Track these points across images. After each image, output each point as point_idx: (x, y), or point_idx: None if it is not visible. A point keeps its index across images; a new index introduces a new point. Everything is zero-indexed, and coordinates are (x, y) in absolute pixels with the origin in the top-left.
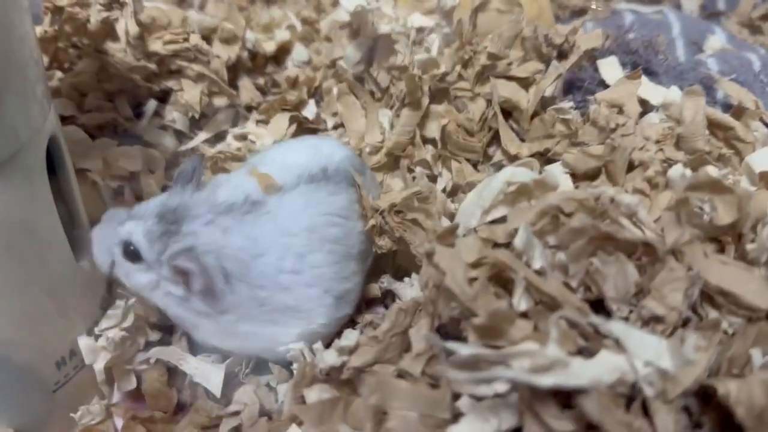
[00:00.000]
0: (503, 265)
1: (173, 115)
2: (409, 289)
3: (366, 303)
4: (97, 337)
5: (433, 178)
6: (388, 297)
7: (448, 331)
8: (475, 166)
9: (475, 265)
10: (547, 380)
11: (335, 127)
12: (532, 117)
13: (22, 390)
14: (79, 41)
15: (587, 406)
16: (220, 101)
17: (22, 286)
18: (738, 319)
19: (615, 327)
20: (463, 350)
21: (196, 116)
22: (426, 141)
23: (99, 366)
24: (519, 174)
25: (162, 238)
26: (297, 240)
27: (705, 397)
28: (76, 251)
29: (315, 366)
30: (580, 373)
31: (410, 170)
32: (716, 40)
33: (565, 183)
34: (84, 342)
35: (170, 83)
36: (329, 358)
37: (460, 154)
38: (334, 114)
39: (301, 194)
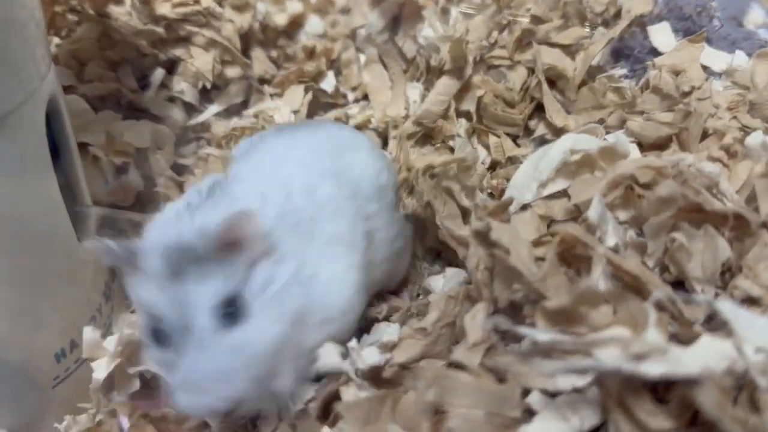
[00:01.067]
0: (575, 242)
1: (181, 86)
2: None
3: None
4: (103, 332)
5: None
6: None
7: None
8: (514, 140)
9: (536, 243)
10: (652, 369)
11: (356, 101)
12: (580, 86)
13: (19, 386)
14: (78, 4)
15: (702, 398)
16: (232, 71)
17: (17, 262)
18: None
19: (725, 306)
20: (541, 336)
21: (208, 85)
22: (459, 115)
23: (99, 375)
24: (582, 141)
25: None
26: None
27: None
28: (78, 230)
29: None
30: (686, 361)
31: (443, 142)
32: (757, 15)
33: (635, 153)
34: (88, 335)
35: (178, 51)
36: (370, 357)
37: (498, 128)
38: (354, 88)
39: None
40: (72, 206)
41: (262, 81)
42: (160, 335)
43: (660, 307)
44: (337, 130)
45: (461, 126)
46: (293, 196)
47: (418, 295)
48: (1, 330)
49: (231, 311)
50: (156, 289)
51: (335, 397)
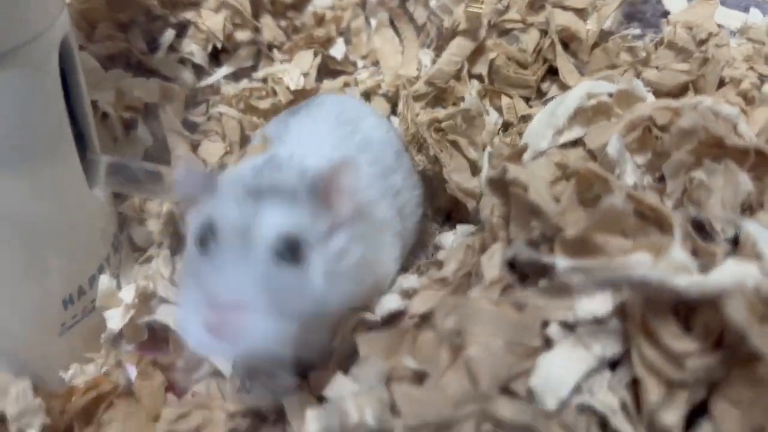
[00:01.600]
0: (593, 178)
1: (191, 48)
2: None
3: None
4: (102, 269)
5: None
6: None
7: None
8: (527, 102)
9: (553, 183)
10: (682, 282)
11: (365, 68)
12: (593, 48)
13: (26, 331)
14: None
15: (730, 310)
16: (242, 35)
17: (27, 206)
18: None
19: (752, 228)
20: (562, 263)
21: (219, 45)
22: (471, 77)
23: (114, 325)
24: (599, 87)
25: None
26: None
27: None
28: (89, 178)
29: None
30: (713, 278)
31: (454, 104)
32: None
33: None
34: (104, 283)
35: (189, 14)
36: (389, 302)
37: (511, 90)
38: (364, 57)
39: None
40: (83, 154)
41: (271, 47)
42: (207, 242)
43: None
44: (345, 100)
45: (473, 87)
46: None
47: (432, 254)
48: (11, 274)
49: (291, 248)
50: (228, 206)
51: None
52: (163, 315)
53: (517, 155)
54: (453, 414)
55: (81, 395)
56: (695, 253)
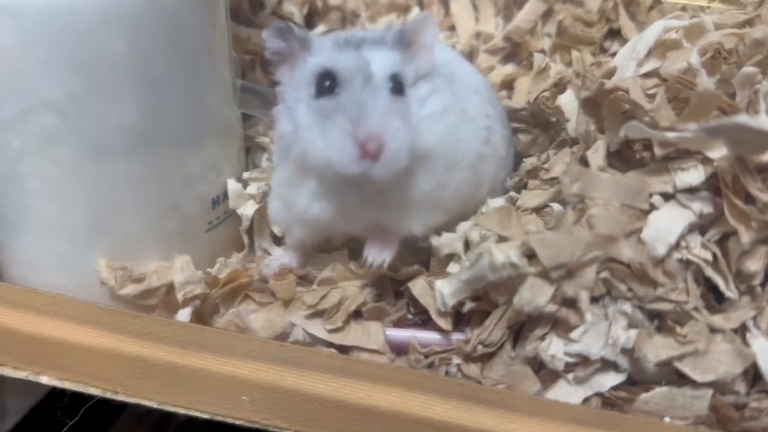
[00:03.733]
0: (681, 82)
1: (291, 8)
2: None
3: None
4: (245, 185)
5: None
6: None
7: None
8: (593, 56)
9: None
10: None
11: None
12: (650, 10)
13: (178, 225)
14: None
15: None
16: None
17: (184, 117)
18: None
19: None
20: (670, 134)
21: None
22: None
23: (247, 211)
24: (674, 22)
25: None
26: None
27: None
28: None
29: None
30: None
31: (527, 60)
32: None
33: None
34: (232, 186)
35: None
36: (496, 201)
37: (578, 46)
38: (441, 23)
39: None
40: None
41: (355, 15)
42: (329, 86)
43: None
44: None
45: (546, 42)
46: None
47: None
48: (171, 173)
49: (398, 87)
50: (337, 51)
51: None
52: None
53: (607, 75)
54: (581, 256)
55: (222, 286)
56: None
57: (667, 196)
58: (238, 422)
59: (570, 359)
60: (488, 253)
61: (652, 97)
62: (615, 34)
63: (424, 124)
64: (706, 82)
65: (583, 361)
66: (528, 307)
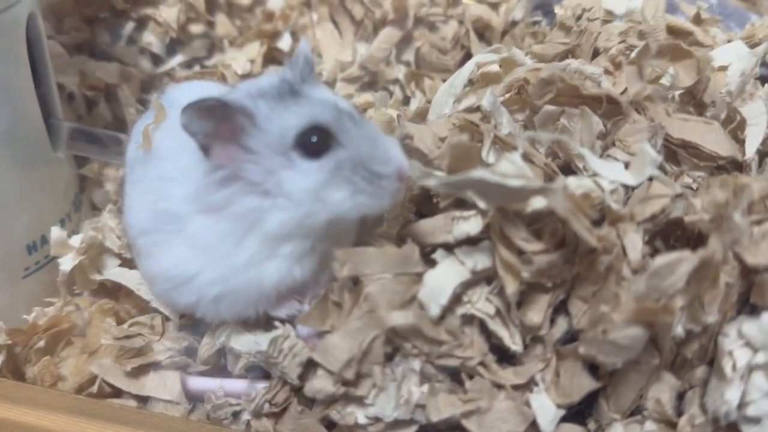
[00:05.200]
0: (471, 127)
1: (150, 39)
2: None
3: None
4: (70, 234)
5: (406, 100)
6: None
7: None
8: None
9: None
10: (516, 182)
11: None
12: (503, 35)
13: None
14: None
15: (553, 201)
16: (196, 28)
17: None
18: (701, 173)
19: (586, 153)
20: (433, 180)
21: (173, 35)
22: (399, 63)
23: (65, 266)
24: (486, 57)
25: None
26: None
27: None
28: (52, 141)
29: None
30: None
31: (384, 88)
32: None
33: None
34: (55, 234)
35: (149, 10)
36: None
37: (433, 74)
38: (311, 51)
39: None
40: (47, 119)
41: (223, 42)
42: (322, 143)
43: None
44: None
45: (401, 71)
46: None
47: None
48: None
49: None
50: (300, 106)
51: None
52: (114, 274)
53: (420, 116)
54: (362, 343)
55: (42, 332)
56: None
57: (449, 247)
58: None
59: (367, 421)
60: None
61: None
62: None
63: None
64: (488, 148)
65: (377, 421)
66: (319, 395)
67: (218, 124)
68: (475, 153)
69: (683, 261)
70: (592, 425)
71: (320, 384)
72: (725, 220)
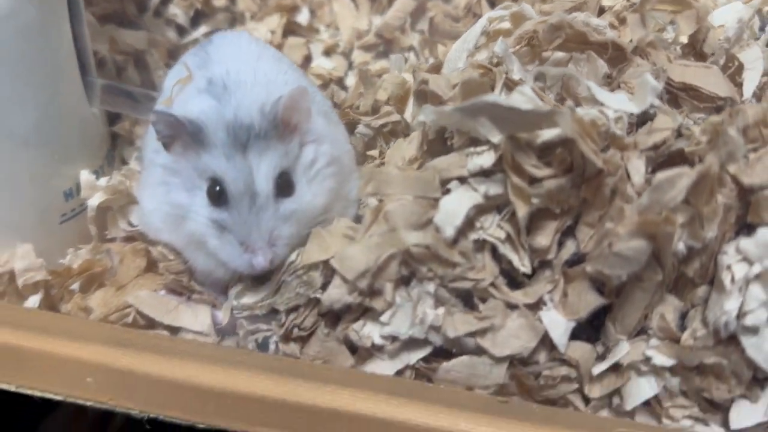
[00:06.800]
0: (484, 69)
1: (176, 11)
2: None
3: None
4: (97, 176)
5: None
6: None
7: None
8: None
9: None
10: (527, 105)
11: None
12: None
13: (31, 218)
14: None
15: (561, 123)
16: (219, 2)
17: (37, 111)
18: (701, 114)
19: (592, 86)
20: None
21: (198, 7)
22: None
23: (93, 202)
24: (497, 12)
25: None
26: None
27: None
28: (88, 95)
29: None
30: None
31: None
32: None
33: None
34: (84, 177)
35: None
36: None
37: (447, 42)
38: (328, 25)
39: None
40: (84, 75)
41: (244, 16)
42: (220, 197)
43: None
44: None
45: (415, 38)
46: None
47: None
48: (20, 166)
49: (284, 184)
50: (222, 158)
51: None
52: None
53: (434, 69)
54: (378, 258)
55: (76, 275)
56: None
57: (462, 180)
58: (88, 403)
59: (383, 341)
60: None
61: None
62: None
63: (314, 190)
64: (500, 72)
65: (394, 340)
66: (337, 304)
67: (175, 132)
68: (487, 89)
69: (683, 176)
70: (599, 348)
71: (337, 294)
72: (720, 135)
